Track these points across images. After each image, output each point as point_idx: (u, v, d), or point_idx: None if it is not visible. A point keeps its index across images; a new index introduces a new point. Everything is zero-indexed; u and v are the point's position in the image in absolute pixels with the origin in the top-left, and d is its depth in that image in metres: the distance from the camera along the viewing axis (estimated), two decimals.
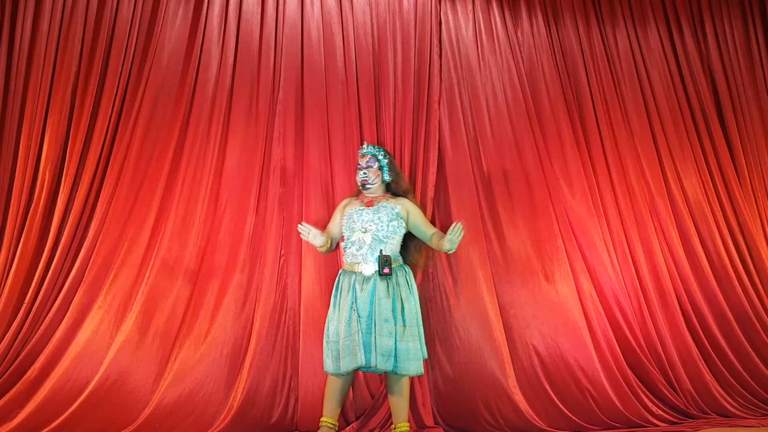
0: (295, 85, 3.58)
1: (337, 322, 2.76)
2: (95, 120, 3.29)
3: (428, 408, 3.19)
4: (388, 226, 2.87)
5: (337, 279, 2.91)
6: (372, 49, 3.70)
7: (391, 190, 3.08)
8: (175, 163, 3.37)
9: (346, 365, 2.66)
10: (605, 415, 3.27)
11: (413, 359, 2.71)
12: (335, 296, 2.85)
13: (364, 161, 3.02)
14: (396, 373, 2.69)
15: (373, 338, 2.67)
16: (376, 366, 2.66)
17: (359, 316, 2.71)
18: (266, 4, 3.66)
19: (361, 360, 2.64)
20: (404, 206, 2.98)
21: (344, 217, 2.94)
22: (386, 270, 2.75)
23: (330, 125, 3.54)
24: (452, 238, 2.64)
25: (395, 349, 2.67)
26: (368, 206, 2.94)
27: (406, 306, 2.79)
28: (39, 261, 3.07)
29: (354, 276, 2.82)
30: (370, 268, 2.80)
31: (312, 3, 3.70)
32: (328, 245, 2.94)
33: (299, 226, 2.80)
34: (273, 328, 3.26)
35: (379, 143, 3.55)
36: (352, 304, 2.74)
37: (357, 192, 3.12)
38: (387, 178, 3.06)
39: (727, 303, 3.72)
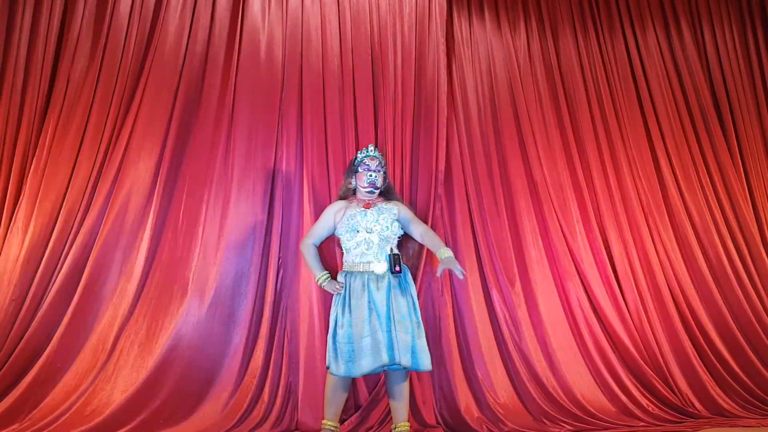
0: (296, 86, 3.59)
1: (349, 324, 2.71)
2: (90, 117, 3.28)
3: (429, 407, 3.20)
4: (390, 226, 2.89)
5: (344, 281, 2.85)
6: (372, 50, 3.71)
7: (383, 195, 3.07)
8: (178, 162, 3.38)
9: (366, 366, 2.61)
10: (602, 414, 3.28)
11: (426, 354, 2.74)
12: (345, 298, 2.79)
13: (374, 164, 2.98)
14: (416, 369, 2.71)
15: (394, 335, 2.66)
16: (399, 363, 2.63)
17: (378, 315, 2.70)
18: (269, 5, 3.69)
19: (385, 359, 2.60)
20: (398, 208, 3.01)
21: (344, 219, 2.92)
22: (398, 268, 2.77)
23: (328, 127, 3.55)
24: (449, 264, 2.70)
25: (413, 346, 2.70)
26: (366, 208, 2.93)
27: (416, 304, 2.84)
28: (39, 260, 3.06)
29: (366, 275, 2.80)
30: (382, 266, 2.80)
31: (312, 3, 3.71)
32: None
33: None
34: (272, 329, 3.26)
35: (379, 144, 3.57)
36: (369, 303, 2.73)
37: (347, 194, 3.06)
38: (384, 185, 3.06)
39: (725, 303, 3.73)
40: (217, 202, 3.36)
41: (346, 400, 3.06)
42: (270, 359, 3.21)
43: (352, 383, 3.00)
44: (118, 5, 3.44)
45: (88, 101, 3.29)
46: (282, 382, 3.19)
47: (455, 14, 4.01)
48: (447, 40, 3.89)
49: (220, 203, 3.36)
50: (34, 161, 3.15)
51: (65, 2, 3.39)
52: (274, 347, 3.24)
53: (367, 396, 3.18)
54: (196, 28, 3.57)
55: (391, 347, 2.65)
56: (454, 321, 3.44)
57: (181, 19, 3.55)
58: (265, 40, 3.64)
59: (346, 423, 3.06)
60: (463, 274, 2.68)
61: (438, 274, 2.81)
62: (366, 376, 3.16)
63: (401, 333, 2.68)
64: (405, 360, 2.64)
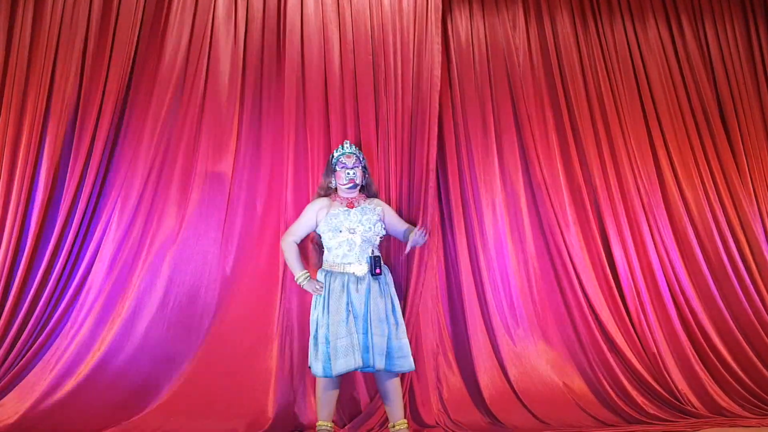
0: (295, 86, 3.59)
1: (327, 324, 2.73)
2: (100, 118, 3.30)
3: (427, 407, 3.20)
4: (374, 227, 2.90)
5: (324, 281, 2.85)
6: (373, 50, 3.70)
7: (365, 191, 3.08)
8: (186, 162, 3.41)
9: (340, 367, 2.65)
10: (601, 414, 3.29)
11: (406, 355, 2.77)
12: (325, 298, 2.80)
13: (351, 161, 2.99)
14: (391, 371, 2.73)
15: (369, 338, 2.70)
16: (373, 365, 2.67)
17: (355, 317, 2.72)
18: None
19: (357, 362, 2.65)
20: (382, 207, 3.03)
21: (327, 218, 2.90)
22: (378, 270, 2.80)
23: (331, 127, 3.55)
24: (416, 239, 2.85)
25: (389, 348, 2.72)
26: (349, 207, 2.93)
27: (395, 304, 2.85)
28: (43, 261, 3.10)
29: (346, 277, 2.81)
30: (362, 268, 2.82)
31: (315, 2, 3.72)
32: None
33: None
34: (272, 328, 3.27)
35: (380, 141, 3.57)
36: (348, 304, 2.75)
37: (327, 192, 3.06)
38: (365, 179, 3.07)
39: (724, 302, 3.70)
40: (225, 202, 3.39)
41: (345, 401, 3.12)
42: (269, 359, 3.22)
43: (349, 384, 3.04)
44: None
45: (95, 104, 3.33)
46: (279, 381, 3.19)
47: (455, 12, 3.98)
48: (447, 38, 3.88)
49: (232, 205, 3.40)
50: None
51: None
52: (272, 346, 3.24)
53: (367, 398, 3.19)
54: (200, 25, 3.58)
55: (366, 350, 2.68)
56: (447, 321, 3.48)
57: (184, 18, 3.56)
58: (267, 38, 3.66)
59: (347, 427, 3.06)
60: (424, 234, 2.84)
61: (406, 251, 2.92)
62: (366, 377, 3.20)
63: (377, 336, 2.70)
64: (379, 363, 2.68)
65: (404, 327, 2.83)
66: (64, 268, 3.12)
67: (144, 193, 3.29)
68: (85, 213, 3.19)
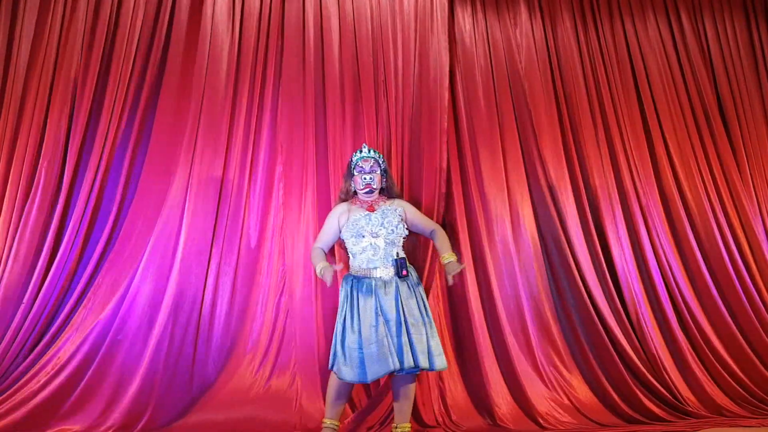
0: (297, 87, 3.59)
1: (359, 330, 2.70)
2: (99, 116, 3.31)
3: (428, 408, 3.21)
4: (396, 229, 2.89)
5: (349, 287, 2.83)
6: (373, 50, 3.70)
7: (385, 192, 3.08)
8: (186, 161, 3.40)
9: (376, 372, 2.63)
10: (600, 414, 3.30)
11: (441, 353, 2.78)
12: (354, 303, 2.77)
13: (368, 165, 2.98)
14: (431, 369, 2.74)
15: (405, 340, 2.67)
16: (415, 366, 2.65)
17: (387, 321, 2.71)
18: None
19: (394, 365, 2.61)
20: (403, 207, 3.02)
21: (348, 223, 2.91)
22: (404, 272, 2.79)
23: (329, 127, 3.55)
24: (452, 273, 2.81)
25: (428, 346, 2.72)
26: (370, 211, 2.94)
27: (425, 303, 2.86)
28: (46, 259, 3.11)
29: (373, 281, 2.80)
30: (389, 271, 2.81)
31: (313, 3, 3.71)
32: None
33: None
34: (271, 329, 3.29)
35: (381, 141, 3.56)
36: (377, 309, 2.73)
37: (347, 196, 3.06)
38: (386, 182, 3.06)
39: (723, 302, 3.71)
40: (226, 205, 3.39)
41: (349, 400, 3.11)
42: (269, 359, 3.25)
43: (354, 385, 3.01)
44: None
45: (89, 102, 3.33)
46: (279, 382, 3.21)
47: (457, 11, 3.97)
48: (449, 37, 3.85)
49: (233, 207, 3.40)
50: None
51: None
52: (271, 347, 3.27)
53: (368, 396, 3.20)
54: (202, 24, 3.57)
55: (401, 352, 2.65)
56: (450, 321, 3.49)
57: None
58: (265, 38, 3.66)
59: (346, 422, 3.07)
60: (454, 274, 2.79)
61: (449, 284, 2.87)
62: None
63: (416, 336, 2.69)
64: (423, 361, 2.67)
65: (435, 325, 2.83)
66: (63, 270, 3.13)
67: (143, 195, 3.31)
68: (83, 215, 3.19)
